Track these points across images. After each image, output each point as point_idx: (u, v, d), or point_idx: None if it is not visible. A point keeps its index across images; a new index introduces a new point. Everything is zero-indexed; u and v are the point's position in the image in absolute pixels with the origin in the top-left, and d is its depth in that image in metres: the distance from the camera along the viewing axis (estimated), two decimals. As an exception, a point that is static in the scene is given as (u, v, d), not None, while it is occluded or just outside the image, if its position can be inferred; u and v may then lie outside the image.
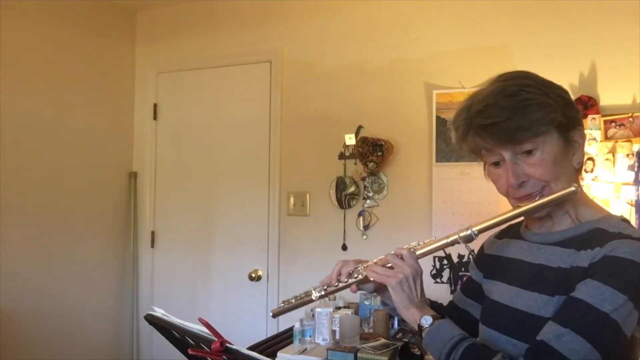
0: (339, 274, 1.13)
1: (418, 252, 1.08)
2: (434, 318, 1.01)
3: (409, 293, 1.04)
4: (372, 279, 1.08)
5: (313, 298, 1.13)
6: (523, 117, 0.95)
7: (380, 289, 1.14)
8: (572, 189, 0.98)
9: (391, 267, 1.06)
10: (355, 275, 1.11)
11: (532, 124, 0.95)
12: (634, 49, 2.34)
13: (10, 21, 2.84)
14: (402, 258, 1.06)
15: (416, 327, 1.02)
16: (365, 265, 1.12)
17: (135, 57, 3.61)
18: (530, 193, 1.01)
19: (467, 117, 1.02)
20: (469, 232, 1.03)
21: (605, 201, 2.28)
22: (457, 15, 2.71)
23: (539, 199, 1.00)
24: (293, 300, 1.15)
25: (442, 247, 1.07)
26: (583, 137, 1.04)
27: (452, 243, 1.05)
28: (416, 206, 2.76)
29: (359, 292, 1.15)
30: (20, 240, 2.89)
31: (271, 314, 1.19)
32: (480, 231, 1.04)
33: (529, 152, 0.98)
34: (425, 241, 1.10)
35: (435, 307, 1.19)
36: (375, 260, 1.11)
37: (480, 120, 0.98)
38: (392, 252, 1.09)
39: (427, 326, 1.00)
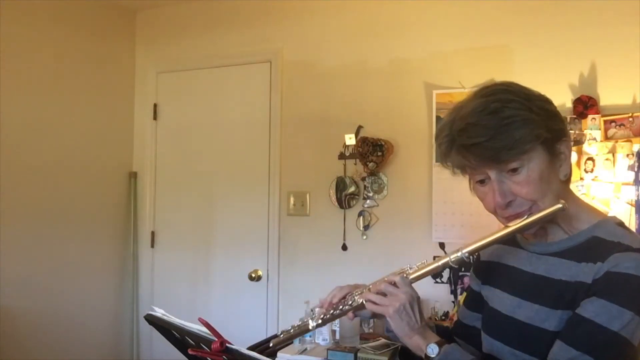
0: (333, 301, 1.12)
1: (411, 277, 1.06)
2: (440, 345, 1.00)
3: (409, 320, 1.02)
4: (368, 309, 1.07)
5: (310, 328, 1.13)
6: (507, 136, 0.92)
7: (378, 314, 1.12)
8: (559, 206, 0.96)
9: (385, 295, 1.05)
10: (350, 302, 1.10)
11: (515, 142, 0.92)
12: (634, 49, 2.34)
13: (10, 21, 2.84)
14: (395, 285, 1.04)
15: (423, 356, 1.01)
16: (360, 292, 1.10)
17: (135, 57, 3.61)
18: (518, 212, 0.99)
19: (449, 134, 0.99)
20: (459, 254, 1.02)
21: (605, 201, 2.28)
22: (457, 15, 2.71)
23: (527, 218, 0.98)
24: (292, 330, 1.15)
25: (435, 271, 1.06)
26: (569, 147, 1.02)
27: (444, 266, 1.04)
28: (416, 206, 2.76)
29: None
30: (19, 240, 2.89)
31: (271, 344, 1.19)
32: (471, 253, 1.03)
33: (514, 170, 0.96)
34: (418, 265, 1.08)
35: (441, 331, 1.17)
36: (369, 287, 1.10)
37: (462, 140, 0.96)
38: (385, 278, 1.07)
39: (434, 356, 0.99)
